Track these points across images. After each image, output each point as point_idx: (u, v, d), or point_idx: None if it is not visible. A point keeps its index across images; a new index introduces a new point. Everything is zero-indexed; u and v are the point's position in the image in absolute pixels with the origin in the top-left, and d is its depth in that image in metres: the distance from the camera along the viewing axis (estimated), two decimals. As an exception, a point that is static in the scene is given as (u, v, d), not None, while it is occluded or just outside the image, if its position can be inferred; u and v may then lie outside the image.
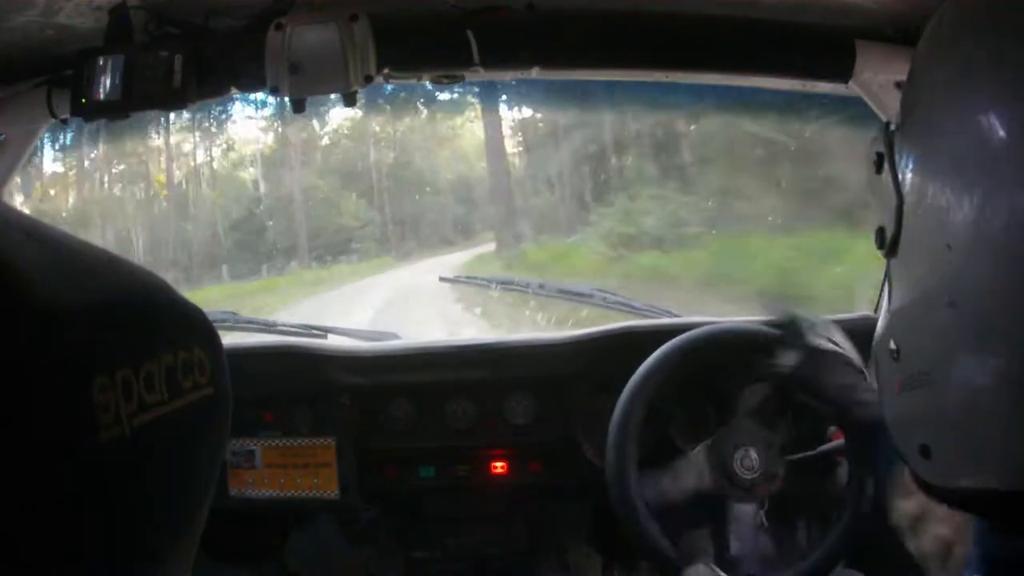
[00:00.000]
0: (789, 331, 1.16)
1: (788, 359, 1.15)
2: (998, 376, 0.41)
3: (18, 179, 1.33)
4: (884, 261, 0.51)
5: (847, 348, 1.14)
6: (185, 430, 0.35)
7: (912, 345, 0.48)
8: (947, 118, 0.45)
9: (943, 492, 0.48)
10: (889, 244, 0.48)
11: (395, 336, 1.61)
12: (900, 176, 0.47)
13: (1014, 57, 0.41)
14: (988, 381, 0.42)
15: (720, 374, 1.39)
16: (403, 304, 3.40)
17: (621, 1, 1.13)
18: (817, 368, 1.12)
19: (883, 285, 0.53)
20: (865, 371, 1.10)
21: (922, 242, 0.46)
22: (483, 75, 1.15)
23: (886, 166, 0.49)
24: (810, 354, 1.12)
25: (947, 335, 0.44)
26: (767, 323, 1.22)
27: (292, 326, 1.61)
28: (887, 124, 0.50)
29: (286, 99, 1.09)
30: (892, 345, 0.49)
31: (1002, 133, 0.41)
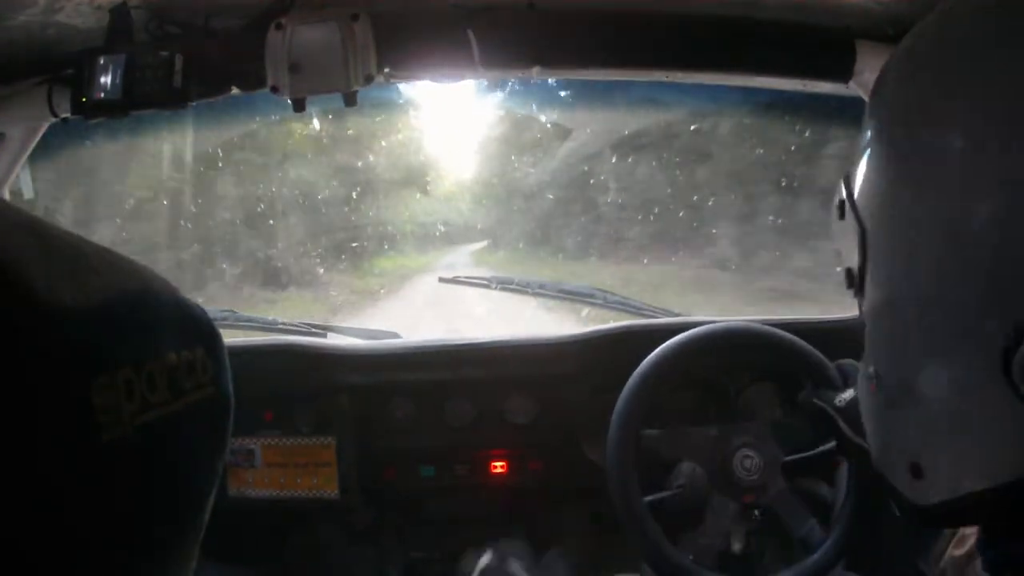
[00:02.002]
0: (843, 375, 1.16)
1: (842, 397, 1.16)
2: (972, 380, 0.43)
3: (24, 176, 1.33)
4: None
5: None
6: (187, 429, 0.35)
7: (889, 366, 0.49)
8: (906, 143, 0.47)
9: (938, 511, 0.48)
10: (858, 281, 0.50)
11: (395, 335, 1.61)
12: (860, 209, 0.49)
13: (967, 89, 0.43)
14: (964, 386, 0.44)
15: (720, 374, 1.39)
16: (403, 304, 3.40)
17: (621, 1, 1.13)
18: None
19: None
20: None
21: (888, 265, 0.48)
22: (483, 75, 1.15)
23: (847, 209, 0.50)
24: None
25: (920, 348, 0.46)
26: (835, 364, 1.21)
27: (292, 324, 1.61)
28: (846, 175, 0.52)
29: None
30: (871, 371, 0.51)
31: (957, 152, 0.43)
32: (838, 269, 0.55)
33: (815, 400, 1.07)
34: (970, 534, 0.79)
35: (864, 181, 0.50)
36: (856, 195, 0.51)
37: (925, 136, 0.45)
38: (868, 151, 0.50)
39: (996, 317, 0.41)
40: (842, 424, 1.02)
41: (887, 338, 0.50)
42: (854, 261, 0.50)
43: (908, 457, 0.48)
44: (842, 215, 0.52)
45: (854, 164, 0.52)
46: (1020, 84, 0.41)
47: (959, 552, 0.81)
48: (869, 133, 0.50)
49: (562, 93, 1.82)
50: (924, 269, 0.45)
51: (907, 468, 0.48)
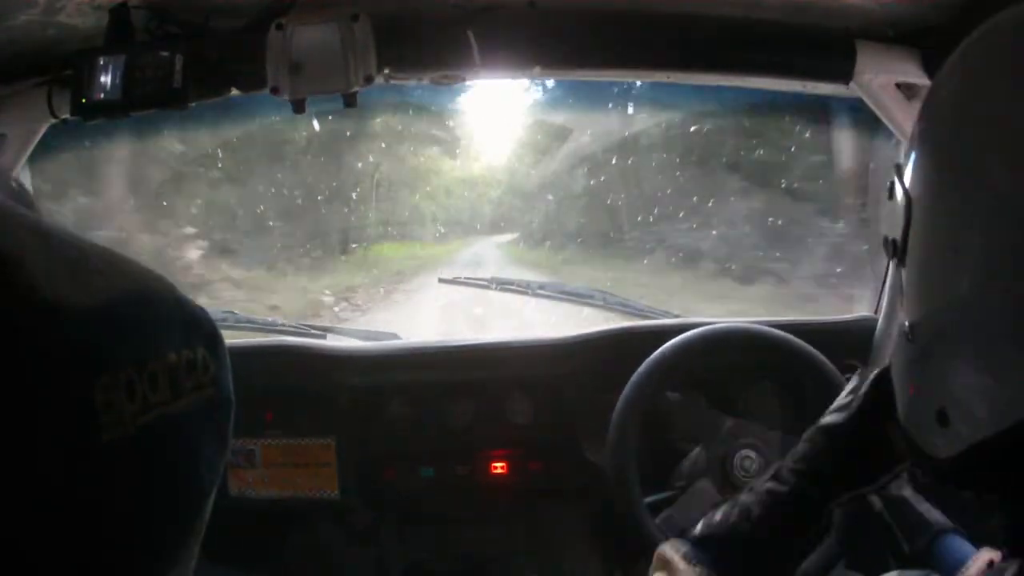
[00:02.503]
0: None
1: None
2: (1000, 323, 0.47)
3: (24, 176, 1.33)
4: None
5: None
6: (188, 429, 0.35)
7: (923, 318, 0.54)
8: (959, 145, 0.52)
9: (960, 462, 0.51)
10: (901, 248, 0.55)
11: (395, 336, 1.61)
12: (910, 192, 0.55)
13: None
14: (992, 330, 0.47)
15: (720, 375, 1.39)
16: (403, 304, 3.39)
17: (622, 1, 1.13)
18: None
19: (882, 287, 0.58)
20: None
21: (930, 245, 0.53)
22: (484, 75, 1.15)
23: (898, 189, 0.56)
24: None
25: (955, 298, 0.50)
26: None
27: (292, 326, 1.62)
28: (897, 165, 0.57)
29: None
30: (906, 327, 0.55)
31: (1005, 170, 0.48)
32: (864, 247, 0.59)
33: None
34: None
35: (913, 168, 0.55)
36: (905, 177, 0.56)
37: (966, 141, 0.51)
38: (918, 144, 0.55)
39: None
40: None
41: (924, 300, 0.54)
42: (898, 233, 0.55)
43: (936, 404, 0.51)
44: (891, 196, 0.57)
45: (904, 155, 0.57)
46: None
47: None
48: (919, 128, 0.55)
49: (562, 93, 1.82)
50: (961, 244, 0.50)
51: (934, 416, 0.51)
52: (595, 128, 2.58)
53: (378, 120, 2.54)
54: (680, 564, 0.71)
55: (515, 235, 3.43)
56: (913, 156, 0.56)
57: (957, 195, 0.51)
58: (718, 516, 0.74)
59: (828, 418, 0.76)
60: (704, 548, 0.72)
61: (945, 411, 0.51)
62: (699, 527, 0.75)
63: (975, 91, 0.52)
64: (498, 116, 2.40)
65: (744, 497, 0.75)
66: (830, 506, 0.73)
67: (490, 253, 3.45)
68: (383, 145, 2.85)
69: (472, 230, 3.33)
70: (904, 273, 0.56)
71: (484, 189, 3.12)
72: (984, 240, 0.48)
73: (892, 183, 0.58)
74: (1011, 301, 0.46)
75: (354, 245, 3.17)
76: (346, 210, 3.00)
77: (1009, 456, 0.48)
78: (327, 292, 3.16)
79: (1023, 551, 0.50)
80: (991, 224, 0.48)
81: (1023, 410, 0.46)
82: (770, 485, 0.74)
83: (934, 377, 0.53)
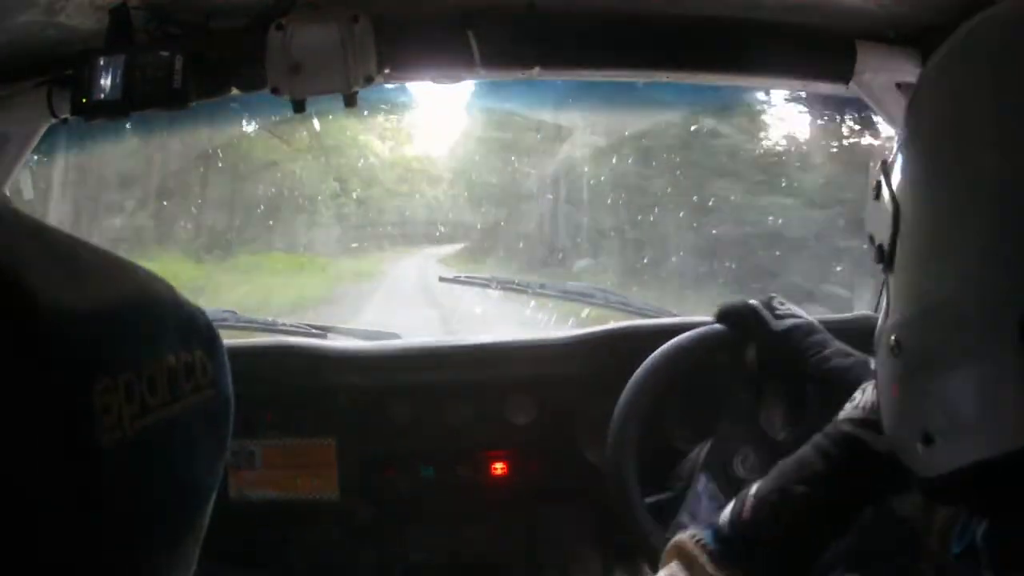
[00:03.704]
0: (743, 324, 1.17)
1: (750, 352, 1.19)
2: (988, 349, 0.45)
3: (24, 176, 1.33)
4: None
5: (802, 313, 1.15)
6: (187, 432, 0.35)
7: (912, 337, 0.52)
8: (948, 145, 0.50)
9: (945, 482, 0.49)
10: (888, 256, 0.53)
11: (395, 336, 1.61)
12: (897, 196, 0.53)
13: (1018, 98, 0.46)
14: (980, 355, 0.46)
15: (720, 374, 1.39)
16: (403, 304, 3.40)
17: (622, 1, 1.13)
18: (786, 348, 1.12)
19: (882, 288, 0.57)
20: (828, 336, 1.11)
21: (918, 247, 0.52)
22: (484, 75, 1.15)
23: (884, 191, 0.54)
24: (773, 339, 1.13)
25: (942, 318, 0.48)
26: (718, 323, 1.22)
27: (292, 326, 1.61)
28: (883, 161, 0.56)
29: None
30: (892, 341, 0.53)
31: (994, 165, 0.47)
32: (864, 247, 0.58)
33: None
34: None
35: (900, 169, 0.54)
36: (893, 180, 0.54)
37: (956, 139, 0.50)
38: (906, 145, 0.54)
39: (1014, 290, 0.44)
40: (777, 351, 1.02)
41: (912, 311, 0.52)
42: (885, 238, 0.53)
43: (921, 425, 0.50)
44: (877, 196, 0.56)
45: (891, 153, 0.56)
46: None
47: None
48: (907, 130, 0.54)
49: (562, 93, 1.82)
50: (950, 248, 0.48)
51: (919, 436, 0.50)
52: (595, 128, 2.58)
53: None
54: (706, 565, 0.69)
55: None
56: (901, 156, 0.54)
57: (947, 195, 0.49)
58: (745, 514, 0.71)
59: (850, 428, 0.72)
60: (731, 548, 0.69)
61: (930, 432, 0.49)
62: (723, 524, 0.72)
63: (963, 87, 0.51)
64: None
65: (769, 495, 0.72)
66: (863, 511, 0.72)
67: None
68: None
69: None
70: (891, 280, 0.54)
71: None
72: (979, 246, 0.46)
73: (879, 182, 0.56)
74: (1008, 316, 0.44)
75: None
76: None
77: (996, 480, 0.46)
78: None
79: (1007, 571, 0.48)
80: (985, 228, 0.46)
81: (1011, 441, 0.44)
82: (802, 489, 0.71)
83: (919, 396, 0.51)
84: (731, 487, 1.19)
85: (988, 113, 0.48)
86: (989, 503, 0.50)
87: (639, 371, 1.23)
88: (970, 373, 0.47)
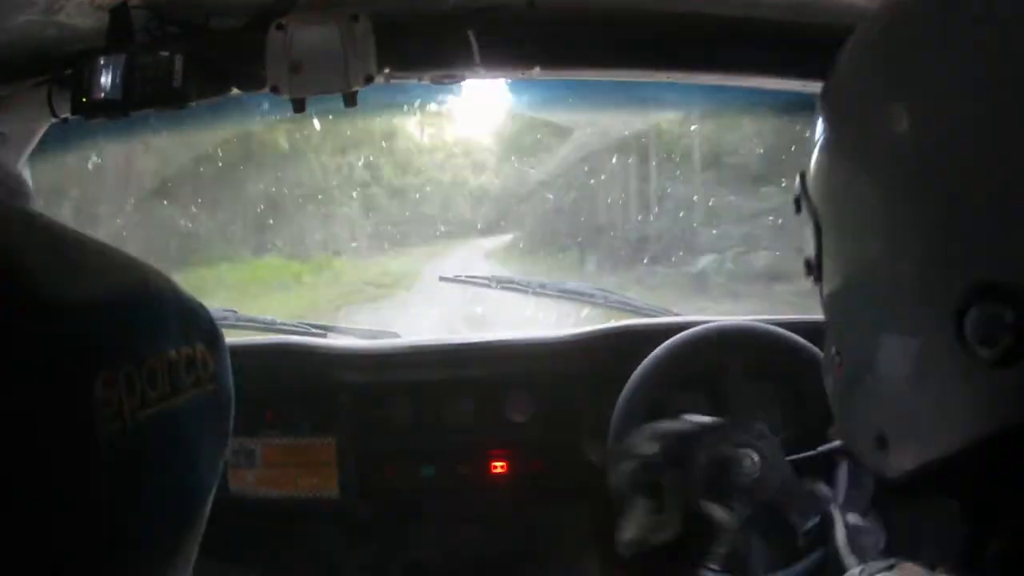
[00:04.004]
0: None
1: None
2: (927, 346, 0.44)
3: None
4: None
5: None
6: (187, 426, 0.35)
7: (848, 341, 0.52)
8: (863, 125, 0.49)
9: (905, 481, 0.49)
10: (815, 268, 0.53)
11: (395, 335, 1.61)
12: (815, 204, 0.52)
13: (934, 64, 0.45)
14: (920, 353, 0.45)
15: (720, 373, 1.39)
16: (403, 303, 3.39)
17: (621, 1, 1.13)
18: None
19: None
20: None
21: (841, 249, 0.51)
22: (484, 75, 1.15)
23: (804, 204, 0.54)
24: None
25: (876, 321, 0.48)
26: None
27: (292, 324, 1.62)
28: (801, 171, 0.55)
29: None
30: (833, 351, 0.53)
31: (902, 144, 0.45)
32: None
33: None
34: None
35: (815, 169, 0.53)
36: (809, 186, 0.53)
37: (861, 114, 0.49)
38: (818, 142, 0.53)
39: (946, 281, 0.42)
40: None
41: (845, 317, 0.52)
42: (811, 250, 0.53)
43: (873, 430, 0.49)
44: (798, 209, 0.55)
45: (809, 158, 0.54)
46: (955, 73, 0.44)
47: None
48: (818, 125, 0.53)
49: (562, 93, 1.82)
50: (872, 244, 0.47)
51: (873, 441, 0.49)
52: (595, 127, 2.59)
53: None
54: None
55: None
56: (814, 161, 0.53)
57: (859, 189, 0.48)
58: None
59: None
60: None
61: (883, 436, 0.49)
62: None
63: (877, 59, 0.50)
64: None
65: None
66: None
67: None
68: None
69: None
70: (823, 292, 0.53)
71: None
72: (900, 241, 0.45)
73: (797, 196, 0.55)
74: (942, 311, 0.42)
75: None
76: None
77: (963, 473, 0.46)
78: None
79: (970, 568, 0.47)
80: (904, 219, 0.45)
81: (960, 436, 0.43)
82: None
83: (868, 404, 0.50)
84: (731, 488, 1.19)
85: (898, 86, 0.46)
86: (957, 501, 0.49)
87: (639, 370, 1.23)
88: (912, 373, 0.46)
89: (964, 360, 0.42)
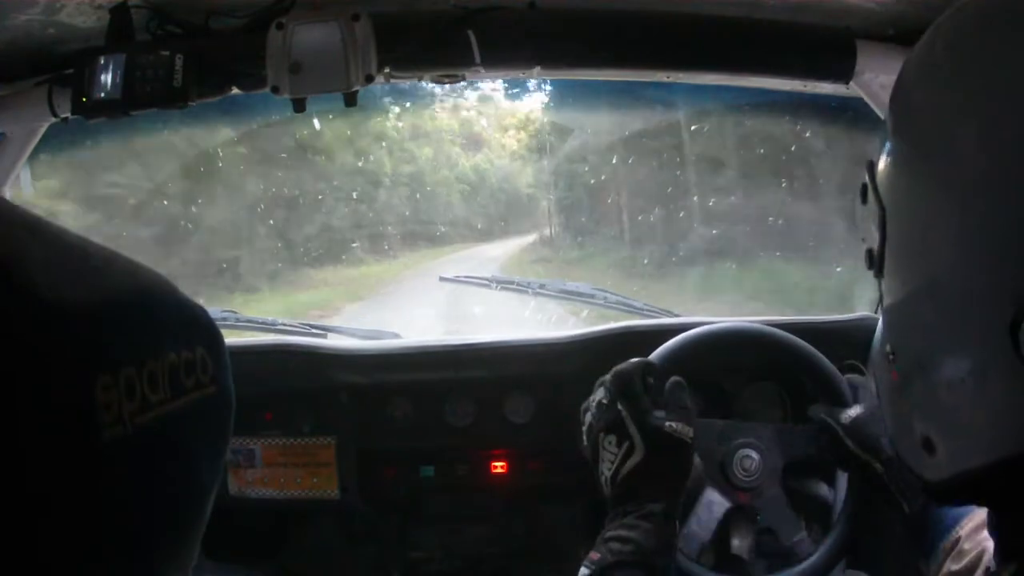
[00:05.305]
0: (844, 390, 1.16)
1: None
2: (982, 354, 0.45)
3: (24, 176, 1.33)
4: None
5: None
6: (187, 429, 0.35)
7: (905, 343, 0.52)
8: (927, 142, 0.49)
9: (948, 486, 0.50)
10: (877, 261, 0.53)
11: (395, 335, 1.61)
12: (883, 198, 0.52)
13: (1002, 89, 0.45)
14: (974, 360, 0.46)
15: (720, 374, 1.39)
16: (403, 303, 3.40)
17: (622, 1, 1.13)
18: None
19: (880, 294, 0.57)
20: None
21: (905, 250, 0.51)
22: (484, 75, 1.15)
23: (871, 195, 0.54)
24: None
25: (934, 325, 0.48)
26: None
27: (292, 325, 1.62)
28: (869, 162, 0.55)
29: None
30: (888, 348, 0.53)
31: (975, 154, 0.46)
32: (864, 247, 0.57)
33: (823, 416, 1.08)
34: (968, 549, 0.79)
35: (885, 169, 0.53)
36: (878, 181, 0.53)
37: (937, 132, 0.49)
38: (889, 143, 0.53)
39: (1004, 292, 0.43)
40: (848, 441, 1.03)
41: (903, 317, 0.52)
42: (875, 242, 0.53)
43: (921, 432, 0.50)
44: (864, 199, 0.55)
45: (878, 152, 0.54)
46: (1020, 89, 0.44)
47: (956, 567, 0.80)
48: (890, 126, 0.53)
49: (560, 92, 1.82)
50: (938, 250, 0.47)
51: (920, 443, 0.50)
52: (595, 127, 2.59)
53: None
54: None
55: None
56: (885, 156, 0.53)
57: (930, 194, 0.48)
58: None
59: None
60: None
61: (930, 439, 0.49)
62: None
63: (939, 79, 0.50)
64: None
65: None
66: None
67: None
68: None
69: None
70: (883, 286, 0.54)
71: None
72: (965, 246, 0.45)
73: (865, 185, 0.55)
74: (998, 319, 0.43)
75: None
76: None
77: (1000, 483, 0.47)
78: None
79: (1018, 556, 0.49)
80: (970, 227, 0.45)
81: (1010, 445, 0.44)
82: None
83: (917, 403, 0.51)
84: (734, 488, 1.19)
85: (967, 106, 0.47)
86: (998, 505, 0.50)
87: None
88: (964, 378, 0.46)
89: (1018, 370, 0.43)
